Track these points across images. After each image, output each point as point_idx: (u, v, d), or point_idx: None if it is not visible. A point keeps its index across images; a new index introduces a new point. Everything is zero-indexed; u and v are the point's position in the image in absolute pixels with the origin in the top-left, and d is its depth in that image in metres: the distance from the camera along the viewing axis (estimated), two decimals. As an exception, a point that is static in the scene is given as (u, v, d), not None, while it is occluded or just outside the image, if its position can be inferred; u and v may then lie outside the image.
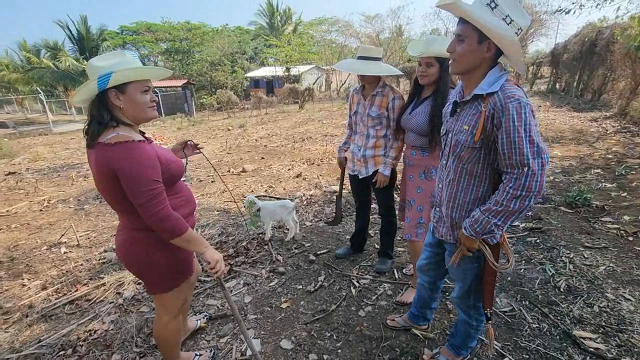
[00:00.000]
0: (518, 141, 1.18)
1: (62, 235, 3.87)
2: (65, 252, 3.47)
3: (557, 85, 16.88)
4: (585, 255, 2.85)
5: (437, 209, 1.61)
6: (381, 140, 2.45)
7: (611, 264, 2.70)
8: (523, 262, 2.81)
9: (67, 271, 3.08)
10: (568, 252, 2.91)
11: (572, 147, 6.45)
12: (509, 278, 2.60)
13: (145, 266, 1.48)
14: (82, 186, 5.96)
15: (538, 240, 3.13)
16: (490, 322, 1.54)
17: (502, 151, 1.23)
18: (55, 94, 24.93)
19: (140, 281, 2.78)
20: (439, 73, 1.97)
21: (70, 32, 24.06)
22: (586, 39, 12.24)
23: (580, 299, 2.34)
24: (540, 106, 12.19)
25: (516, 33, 1.22)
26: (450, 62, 1.36)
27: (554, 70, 17.00)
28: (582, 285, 2.48)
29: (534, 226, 3.36)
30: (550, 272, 2.65)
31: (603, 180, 4.52)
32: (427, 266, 1.81)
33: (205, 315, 2.30)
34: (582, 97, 13.27)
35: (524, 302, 2.34)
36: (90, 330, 2.28)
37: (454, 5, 1.20)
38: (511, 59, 1.28)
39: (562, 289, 2.44)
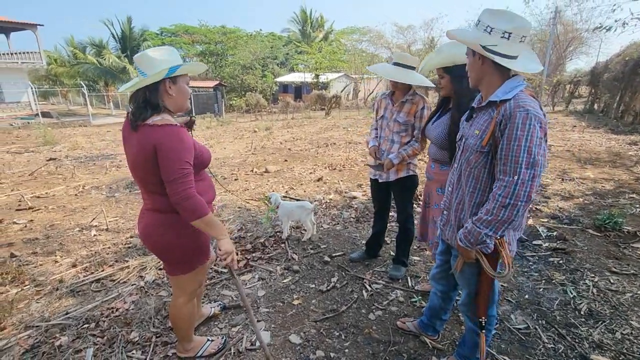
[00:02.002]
0: (516, 149, 1.22)
1: (93, 219, 4.11)
2: (95, 235, 3.68)
3: (596, 106, 16.16)
4: (612, 281, 2.73)
5: (445, 212, 1.62)
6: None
7: (639, 292, 2.57)
8: (543, 281, 2.73)
9: (95, 252, 3.27)
10: (593, 275, 2.80)
11: (606, 169, 6.16)
12: (526, 296, 2.54)
13: (167, 247, 1.58)
14: (115, 175, 6.29)
15: (561, 261, 3.02)
16: (483, 331, 1.53)
17: (499, 155, 1.28)
18: (97, 89, 26.35)
19: (161, 266, 2.92)
20: (451, 84, 1.94)
21: (115, 31, 25.43)
22: (629, 59, 11.70)
23: (601, 324, 2.24)
24: (575, 126, 11.72)
25: (502, 37, 1.27)
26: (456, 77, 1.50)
27: (593, 90, 16.30)
28: (605, 311, 2.37)
29: (557, 246, 3.25)
30: (572, 294, 2.55)
31: (638, 206, 4.30)
32: (439, 274, 1.82)
33: (219, 304, 2.38)
34: (622, 119, 12.64)
35: (540, 321, 2.27)
36: (112, 308, 2.41)
37: (449, 34, 1.38)
38: (500, 60, 1.30)
39: (582, 312, 2.35)
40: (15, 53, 19.78)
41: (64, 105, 28.77)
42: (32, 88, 19.38)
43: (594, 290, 2.59)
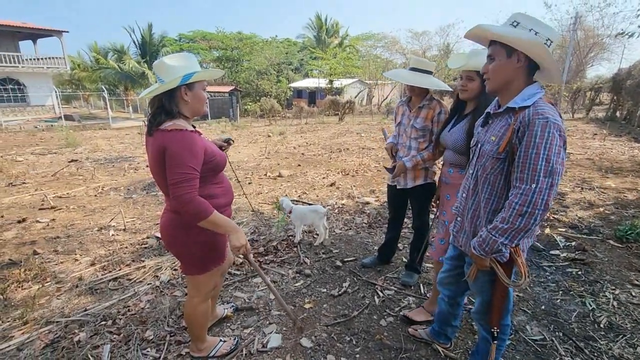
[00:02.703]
0: (534, 157, 1.21)
1: (112, 219, 4.22)
2: (113, 235, 3.78)
3: (618, 113, 15.70)
4: (633, 294, 2.64)
5: (459, 218, 1.61)
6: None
7: (663, 306, 2.48)
8: (560, 292, 2.66)
9: (113, 251, 3.36)
10: (613, 287, 2.71)
11: (629, 179, 5.97)
12: (542, 307, 2.48)
13: (185, 247, 1.62)
14: (133, 177, 6.45)
15: (580, 272, 2.94)
16: (495, 342, 1.50)
17: (517, 163, 1.26)
18: (117, 93, 27.18)
19: (176, 266, 2.98)
20: (480, 88, 1.89)
21: (136, 37, 26.24)
22: (654, 65, 11.35)
23: (622, 337, 2.17)
24: (596, 134, 11.40)
25: (545, 43, 1.24)
26: (486, 81, 1.40)
27: (615, 97, 15.86)
28: (626, 324, 2.30)
29: (576, 257, 3.16)
30: (591, 306, 2.48)
31: (662, 217, 4.15)
32: (447, 279, 1.80)
33: (232, 306, 2.41)
34: (645, 127, 12.24)
35: (557, 333, 2.22)
36: (129, 306, 2.47)
37: (479, 30, 1.29)
38: (545, 67, 1.29)
39: (602, 325, 2.28)
40: (41, 58, 20.61)
41: (85, 108, 29.75)
42: (56, 92, 20.14)
43: (615, 303, 2.51)
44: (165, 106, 1.48)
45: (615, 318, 2.35)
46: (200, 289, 1.76)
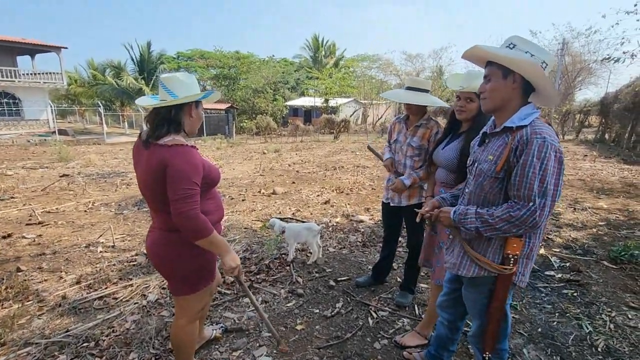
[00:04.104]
0: (531, 176, 1.23)
1: (101, 235, 4.13)
2: (101, 252, 3.68)
3: (607, 136, 16.06)
4: (630, 316, 2.61)
5: (451, 237, 1.59)
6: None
7: (659, 329, 2.44)
8: (557, 314, 2.62)
9: (100, 269, 3.26)
10: (609, 310, 2.68)
11: (620, 199, 6.04)
12: (539, 329, 2.43)
13: (173, 266, 1.57)
14: (125, 193, 6.36)
15: (575, 294, 2.91)
16: None
17: (513, 181, 1.28)
18: (113, 108, 27.25)
19: (164, 285, 2.89)
20: (479, 109, 1.90)
21: (134, 54, 26.54)
22: (639, 89, 11.70)
23: (620, 362, 2.13)
24: (586, 155, 11.61)
25: (541, 65, 1.27)
26: (481, 100, 1.43)
27: (603, 120, 16.26)
28: (624, 348, 2.25)
29: (571, 278, 3.14)
30: (588, 329, 2.44)
31: (654, 238, 4.16)
32: (446, 302, 1.77)
33: (222, 327, 2.33)
34: (634, 150, 12.50)
35: (555, 357, 2.17)
36: (113, 327, 2.37)
37: (476, 50, 1.34)
38: (540, 89, 1.32)
39: (599, 349, 2.24)
40: (39, 73, 20.71)
41: (80, 123, 29.70)
42: (51, 106, 20.13)
43: (611, 326, 2.47)
44: (173, 118, 1.48)
45: (613, 341, 2.31)
46: (188, 310, 1.70)
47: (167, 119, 1.47)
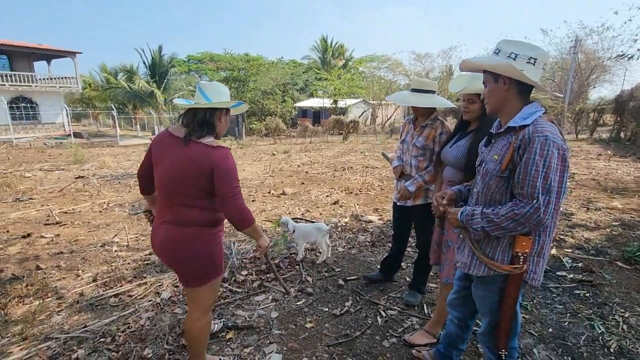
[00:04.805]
0: (534, 174, 1.25)
1: (115, 235, 4.24)
2: (116, 251, 3.78)
3: (622, 134, 15.70)
4: (644, 317, 2.57)
5: (461, 236, 1.61)
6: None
7: (674, 330, 2.40)
8: (568, 314, 2.60)
9: (115, 267, 3.35)
10: (623, 310, 2.65)
11: (635, 199, 5.91)
12: (550, 329, 2.42)
13: (195, 258, 1.65)
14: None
15: (587, 294, 2.88)
16: None
17: (517, 179, 1.30)
18: (125, 111, 27.78)
19: (177, 284, 2.96)
20: (482, 109, 1.93)
21: (146, 58, 27.01)
22: (656, 87, 11.41)
23: (633, 363, 2.10)
24: (600, 154, 11.38)
25: (528, 62, 1.32)
26: (485, 105, 1.50)
27: (619, 118, 15.90)
28: (637, 349, 2.22)
29: (583, 278, 3.10)
30: (600, 329, 2.41)
31: (670, 238, 4.08)
32: (456, 300, 1.78)
33: (223, 322, 2.39)
34: (651, 149, 12.19)
35: (566, 357, 2.15)
36: (128, 323, 2.45)
37: (465, 63, 1.44)
38: (532, 83, 1.35)
39: (612, 350, 2.22)
40: (55, 78, 21.25)
41: (94, 126, 30.35)
42: (66, 110, 20.63)
43: (624, 327, 2.44)
44: (209, 121, 1.63)
45: (626, 342, 2.28)
46: (202, 302, 1.77)
47: (204, 121, 1.62)
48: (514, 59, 1.33)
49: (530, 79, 1.31)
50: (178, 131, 1.62)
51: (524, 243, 1.36)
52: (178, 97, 25.39)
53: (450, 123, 2.49)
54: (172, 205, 1.63)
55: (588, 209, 5.29)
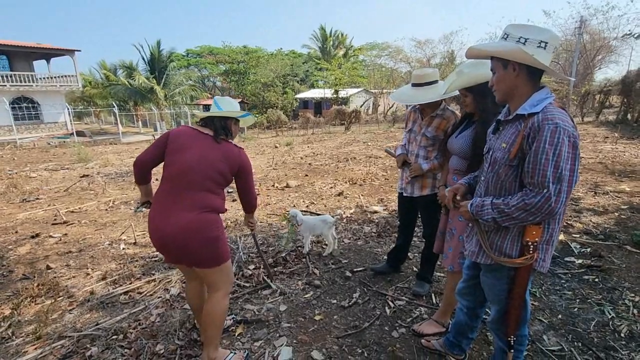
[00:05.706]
0: (544, 162, 1.22)
1: (122, 233, 4.27)
2: (123, 248, 3.81)
3: (629, 116, 15.45)
4: (654, 301, 2.55)
5: (470, 224, 1.59)
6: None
7: (686, 313, 2.39)
8: (577, 300, 2.59)
9: (124, 265, 3.38)
10: (633, 295, 2.63)
11: (643, 182, 5.84)
12: (559, 316, 2.41)
13: (215, 240, 1.81)
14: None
15: (597, 279, 2.86)
16: (511, 351, 1.47)
17: (527, 169, 1.28)
18: (126, 108, 27.75)
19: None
20: (475, 101, 1.93)
21: (144, 53, 26.85)
22: (663, 67, 11.17)
23: (644, 347, 2.09)
24: (607, 137, 11.23)
25: (539, 46, 1.27)
26: (494, 92, 1.45)
27: (625, 100, 15.63)
28: (648, 333, 2.22)
29: (592, 263, 3.08)
30: (610, 314, 2.41)
31: (680, 221, 4.03)
32: (465, 289, 1.77)
33: (233, 318, 2.41)
34: (658, 129, 12.01)
35: (576, 343, 2.15)
36: (139, 320, 2.48)
37: (470, 50, 1.41)
38: (544, 68, 1.30)
39: (623, 334, 2.21)
40: (55, 77, 21.22)
41: (96, 124, 30.41)
42: (68, 109, 20.66)
43: (635, 311, 2.43)
44: (224, 126, 1.92)
45: (637, 327, 2.27)
46: (224, 280, 1.90)
47: (222, 127, 1.90)
48: (524, 44, 1.28)
49: (542, 64, 1.27)
50: (203, 129, 1.87)
51: (534, 232, 1.34)
52: (179, 93, 25.23)
53: (455, 109, 2.44)
54: (199, 191, 1.78)
55: (595, 193, 5.24)
